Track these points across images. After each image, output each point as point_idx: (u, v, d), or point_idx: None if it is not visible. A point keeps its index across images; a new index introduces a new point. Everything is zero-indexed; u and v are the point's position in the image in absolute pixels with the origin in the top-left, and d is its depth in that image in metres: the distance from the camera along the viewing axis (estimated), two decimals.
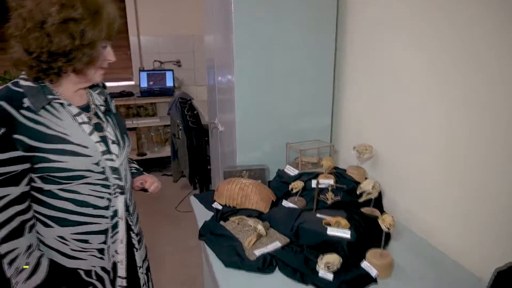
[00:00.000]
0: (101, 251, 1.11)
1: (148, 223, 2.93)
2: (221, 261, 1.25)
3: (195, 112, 3.20)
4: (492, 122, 1.13)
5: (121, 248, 1.15)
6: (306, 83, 1.85)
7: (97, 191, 1.04)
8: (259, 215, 1.49)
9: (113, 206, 1.09)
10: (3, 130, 0.89)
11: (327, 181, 1.53)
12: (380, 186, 1.48)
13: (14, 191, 0.94)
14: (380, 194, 1.60)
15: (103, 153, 1.03)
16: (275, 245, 1.31)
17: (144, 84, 3.96)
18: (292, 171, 1.71)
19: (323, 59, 1.85)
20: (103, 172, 1.04)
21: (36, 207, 1.01)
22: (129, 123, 3.89)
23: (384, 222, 1.17)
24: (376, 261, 1.19)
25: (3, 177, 0.91)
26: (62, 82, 0.99)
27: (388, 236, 1.38)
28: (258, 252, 1.26)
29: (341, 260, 1.17)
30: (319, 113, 1.92)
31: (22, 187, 0.95)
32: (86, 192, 1.02)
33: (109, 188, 1.07)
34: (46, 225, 1.03)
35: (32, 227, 1.00)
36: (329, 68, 1.88)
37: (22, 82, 0.95)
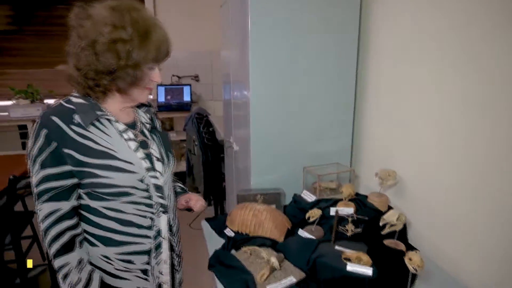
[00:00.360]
0: (145, 272, 1.10)
1: None
2: None
3: (210, 129, 3.15)
4: None
5: (165, 269, 1.14)
6: (325, 102, 1.76)
7: (141, 210, 1.04)
8: (273, 245, 1.39)
9: (156, 226, 1.08)
10: (55, 144, 0.92)
11: (347, 210, 1.43)
12: (405, 217, 1.36)
13: (64, 206, 0.96)
14: (405, 225, 1.49)
15: (148, 170, 1.04)
16: (290, 280, 1.20)
17: (161, 98, 3.95)
18: (309, 196, 1.61)
19: (343, 77, 1.76)
20: (147, 190, 1.04)
21: (83, 225, 1.03)
22: None
23: (412, 262, 1.06)
24: None
25: (55, 191, 0.94)
26: (108, 100, 1.02)
27: (414, 275, 1.26)
28: None
29: None
30: (339, 134, 1.83)
31: (72, 202, 0.97)
32: (130, 211, 1.03)
33: (152, 207, 1.06)
34: (92, 244, 1.04)
35: (82, 242, 1.01)
36: (350, 86, 1.79)
37: (73, 99, 0.99)
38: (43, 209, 0.94)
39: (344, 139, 1.84)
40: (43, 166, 0.92)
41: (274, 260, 1.24)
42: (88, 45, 0.91)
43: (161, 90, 3.97)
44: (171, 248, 1.16)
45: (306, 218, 1.44)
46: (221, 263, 1.31)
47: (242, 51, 1.73)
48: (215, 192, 3.35)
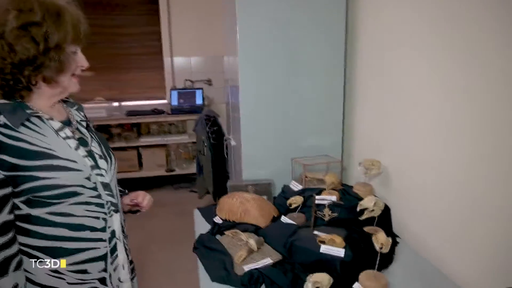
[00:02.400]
0: (102, 280, 0.98)
1: (168, 238, 2.96)
2: (208, 275, 1.23)
3: (215, 128, 3.25)
4: None
5: (124, 274, 1.04)
6: (315, 99, 1.82)
7: (92, 210, 0.94)
8: (255, 230, 1.45)
9: (109, 227, 0.98)
10: None
11: (329, 198, 1.46)
12: (383, 204, 1.38)
13: None
14: (389, 213, 1.51)
15: (92, 167, 0.94)
16: (266, 261, 1.26)
17: (174, 102, 4.10)
18: (296, 186, 1.66)
19: (332, 74, 1.82)
20: (95, 188, 0.94)
21: (22, 239, 0.88)
22: (159, 139, 4.03)
23: (377, 241, 1.09)
24: (370, 283, 1.11)
25: None
26: (34, 97, 0.90)
27: (390, 258, 1.28)
28: (247, 268, 1.23)
29: (331, 280, 1.10)
30: (330, 129, 1.87)
31: (5, 216, 0.82)
32: (81, 214, 0.92)
33: (103, 207, 0.96)
34: (37, 259, 0.90)
35: (19, 264, 0.86)
36: (339, 81, 1.83)
37: None
38: None
39: (335, 133, 1.88)
40: None
41: (252, 242, 1.30)
42: None
43: (174, 94, 4.11)
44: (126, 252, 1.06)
45: (288, 205, 1.49)
46: (205, 245, 1.38)
47: (234, 55, 1.82)
48: (223, 193, 3.43)
